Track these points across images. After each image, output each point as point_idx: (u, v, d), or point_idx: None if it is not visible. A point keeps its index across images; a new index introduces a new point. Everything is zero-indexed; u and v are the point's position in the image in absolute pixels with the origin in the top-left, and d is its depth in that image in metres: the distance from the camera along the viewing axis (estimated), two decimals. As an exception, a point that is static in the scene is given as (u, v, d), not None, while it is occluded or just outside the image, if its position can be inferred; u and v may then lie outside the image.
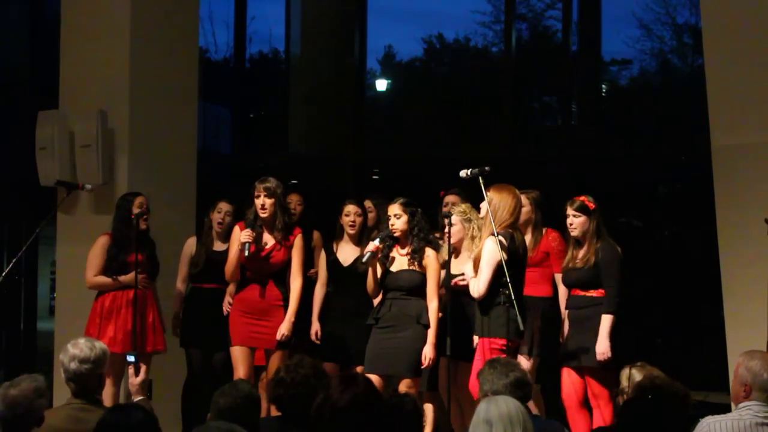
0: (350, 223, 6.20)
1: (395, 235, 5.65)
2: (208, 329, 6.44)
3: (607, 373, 5.48)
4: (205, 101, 9.84)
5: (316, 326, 6.21)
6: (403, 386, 5.48)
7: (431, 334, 5.58)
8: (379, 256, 5.66)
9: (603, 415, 5.48)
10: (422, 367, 5.59)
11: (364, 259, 5.58)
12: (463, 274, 5.57)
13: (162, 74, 7.47)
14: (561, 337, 5.94)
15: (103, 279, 6.20)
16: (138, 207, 6.16)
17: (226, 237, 6.37)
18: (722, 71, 6.23)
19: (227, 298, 6.35)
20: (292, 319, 5.81)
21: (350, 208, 6.21)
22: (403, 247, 5.70)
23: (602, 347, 5.42)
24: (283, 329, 5.75)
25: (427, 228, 5.79)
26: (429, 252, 5.68)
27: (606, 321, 5.44)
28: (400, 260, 5.70)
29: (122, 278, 6.14)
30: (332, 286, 6.32)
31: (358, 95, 10.23)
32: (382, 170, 9.94)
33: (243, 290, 5.88)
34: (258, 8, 10.61)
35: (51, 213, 7.20)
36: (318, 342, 6.20)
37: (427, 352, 5.56)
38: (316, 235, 6.73)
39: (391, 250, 5.72)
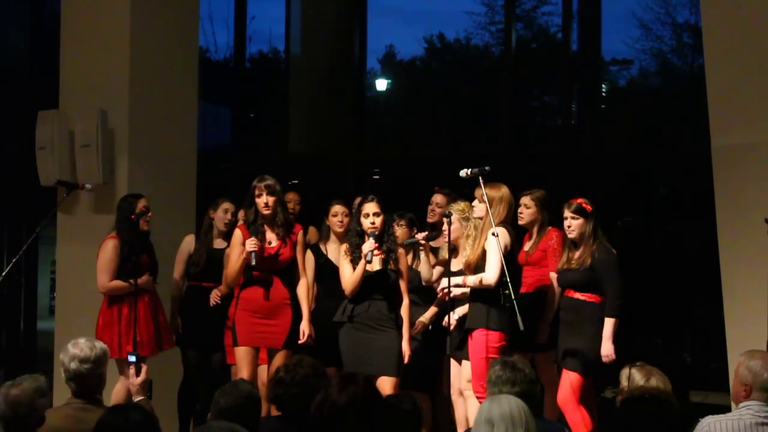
0: (338, 223, 6.26)
1: (376, 234, 5.65)
2: (206, 329, 6.44)
3: (584, 378, 5.49)
4: (205, 101, 9.84)
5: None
6: (387, 386, 5.47)
7: (405, 331, 5.64)
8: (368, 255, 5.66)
9: (575, 418, 5.47)
10: (405, 363, 5.62)
11: (369, 258, 5.58)
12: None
13: (162, 74, 7.47)
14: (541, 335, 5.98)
15: (120, 283, 6.10)
16: (140, 209, 6.14)
17: (227, 235, 6.45)
18: (722, 71, 6.23)
19: (216, 293, 6.32)
20: (309, 317, 5.79)
21: (337, 208, 6.29)
22: (377, 247, 5.70)
23: (606, 350, 5.43)
24: (306, 329, 5.73)
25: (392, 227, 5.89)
26: (400, 250, 5.75)
27: (608, 324, 5.46)
28: (374, 260, 5.68)
29: (139, 282, 6.03)
30: (324, 286, 6.30)
31: (358, 95, 10.23)
32: (382, 170, 9.94)
33: (249, 289, 5.76)
34: (258, 8, 10.62)
35: (51, 213, 7.19)
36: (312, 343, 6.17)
37: (405, 349, 5.61)
38: (312, 230, 6.72)
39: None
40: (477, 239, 5.62)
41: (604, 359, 5.43)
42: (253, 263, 5.63)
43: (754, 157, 6.04)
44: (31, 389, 3.59)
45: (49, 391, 3.71)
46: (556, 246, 6.03)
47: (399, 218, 6.18)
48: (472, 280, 5.49)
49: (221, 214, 6.59)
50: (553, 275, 5.98)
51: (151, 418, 3.34)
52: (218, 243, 6.60)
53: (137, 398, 4.34)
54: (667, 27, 9.62)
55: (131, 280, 6.00)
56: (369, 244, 5.58)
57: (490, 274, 5.44)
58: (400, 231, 6.12)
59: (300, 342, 5.73)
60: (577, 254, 5.61)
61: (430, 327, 6.06)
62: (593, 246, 5.57)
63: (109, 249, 6.15)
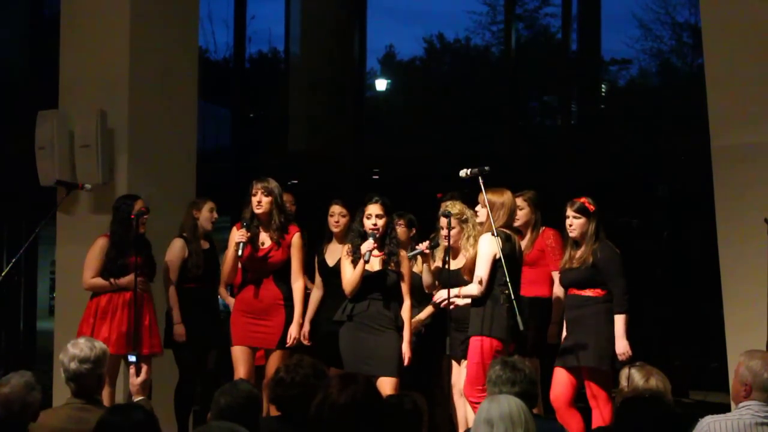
0: (335, 223, 6.27)
1: (377, 235, 5.66)
2: (199, 329, 6.44)
3: (604, 372, 5.48)
4: (205, 101, 9.84)
5: (306, 328, 6.22)
6: (387, 387, 5.47)
7: (406, 333, 5.64)
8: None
9: (602, 414, 5.48)
10: (405, 365, 5.63)
11: (366, 258, 5.59)
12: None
13: (162, 74, 7.47)
14: (550, 336, 5.97)
15: (100, 281, 6.19)
16: (138, 210, 6.14)
17: (208, 235, 6.63)
18: (722, 71, 6.23)
19: (228, 300, 6.34)
20: (300, 321, 5.84)
21: (335, 209, 6.31)
22: (378, 249, 5.71)
23: (621, 347, 5.43)
24: (293, 332, 5.80)
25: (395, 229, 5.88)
26: (402, 253, 5.76)
27: (620, 321, 5.46)
28: (374, 261, 5.70)
29: (119, 281, 6.12)
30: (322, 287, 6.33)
31: (358, 95, 10.23)
32: (382, 170, 9.93)
33: (243, 290, 5.90)
34: (258, 8, 10.61)
35: (51, 213, 7.20)
36: (308, 344, 6.19)
37: (406, 351, 5.61)
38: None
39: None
40: (476, 241, 5.62)
41: (621, 357, 5.40)
42: (240, 253, 5.67)
43: (754, 157, 6.04)
44: (20, 385, 3.60)
45: (39, 385, 3.71)
46: (554, 245, 6.05)
47: (398, 218, 6.19)
48: (466, 290, 5.48)
49: (207, 214, 6.59)
50: (555, 274, 5.98)
51: (151, 418, 3.34)
52: (203, 244, 6.61)
53: (137, 398, 4.34)
54: (667, 27, 9.62)
55: (111, 279, 6.10)
56: (367, 244, 5.60)
57: (474, 287, 5.43)
58: (399, 231, 6.13)
59: (287, 345, 5.76)
60: (578, 253, 5.61)
61: (423, 330, 6.06)
62: (595, 245, 5.56)
63: (96, 247, 6.23)
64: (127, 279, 6.07)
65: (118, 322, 6.10)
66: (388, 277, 5.69)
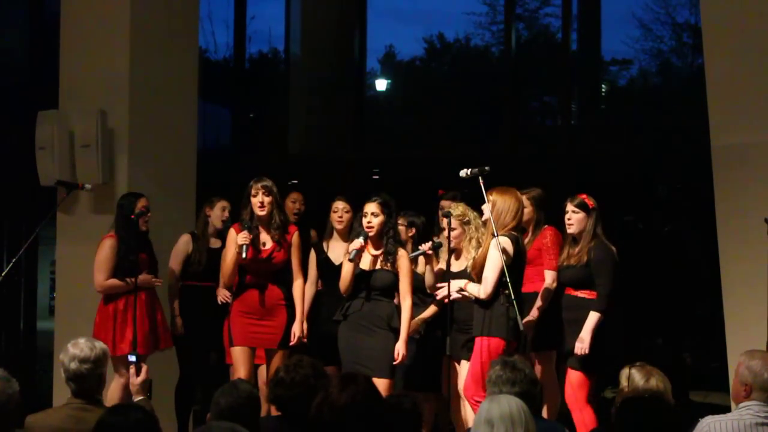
0: (338, 219, 6.25)
1: (370, 234, 5.66)
2: (202, 328, 6.44)
3: (588, 375, 5.48)
4: (205, 101, 9.84)
5: (305, 325, 6.20)
6: (379, 388, 5.45)
7: (403, 331, 5.62)
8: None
9: (583, 416, 5.46)
10: (395, 363, 5.61)
11: (351, 257, 5.60)
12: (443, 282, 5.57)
13: (162, 74, 7.47)
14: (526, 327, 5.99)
15: (116, 282, 6.14)
16: (140, 209, 6.14)
17: (220, 234, 6.55)
18: (722, 71, 6.23)
19: (225, 292, 6.24)
20: (303, 319, 5.83)
21: (338, 205, 6.28)
22: (375, 247, 5.71)
23: (581, 342, 5.41)
24: (297, 331, 5.79)
25: (397, 229, 5.85)
26: (401, 252, 5.73)
27: (592, 317, 5.44)
28: (371, 260, 5.71)
29: (134, 280, 6.08)
30: (324, 284, 6.33)
31: (358, 95, 10.23)
32: (381, 170, 9.94)
33: (244, 291, 5.85)
34: (258, 8, 10.62)
35: (51, 213, 7.19)
36: (305, 341, 6.18)
37: (400, 349, 5.59)
38: (312, 233, 6.77)
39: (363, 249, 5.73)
40: (481, 241, 5.61)
41: (576, 350, 5.41)
42: (243, 256, 5.66)
43: (754, 157, 6.04)
44: None
45: (12, 376, 3.70)
46: (550, 244, 6.04)
47: (400, 217, 6.20)
48: (472, 288, 5.47)
49: (218, 212, 6.61)
50: (548, 273, 5.98)
51: (151, 418, 3.34)
52: (213, 242, 6.62)
53: (137, 398, 4.34)
54: (667, 27, 9.64)
55: (128, 279, 6.05)
56: (355, 243, 5.62)
57: (482, 289, 5.40)
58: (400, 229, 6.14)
59: (291, 344, 5.76)
60: (575, 250, 5.61)
61: (422, 330, 6.05)
62: (591, 243, 5.56)
63: (106, 248, 6.17)
64: (141, 278, 6.06)
65: (140, 322, 6.07)
66: (381, 276, 5.69)
